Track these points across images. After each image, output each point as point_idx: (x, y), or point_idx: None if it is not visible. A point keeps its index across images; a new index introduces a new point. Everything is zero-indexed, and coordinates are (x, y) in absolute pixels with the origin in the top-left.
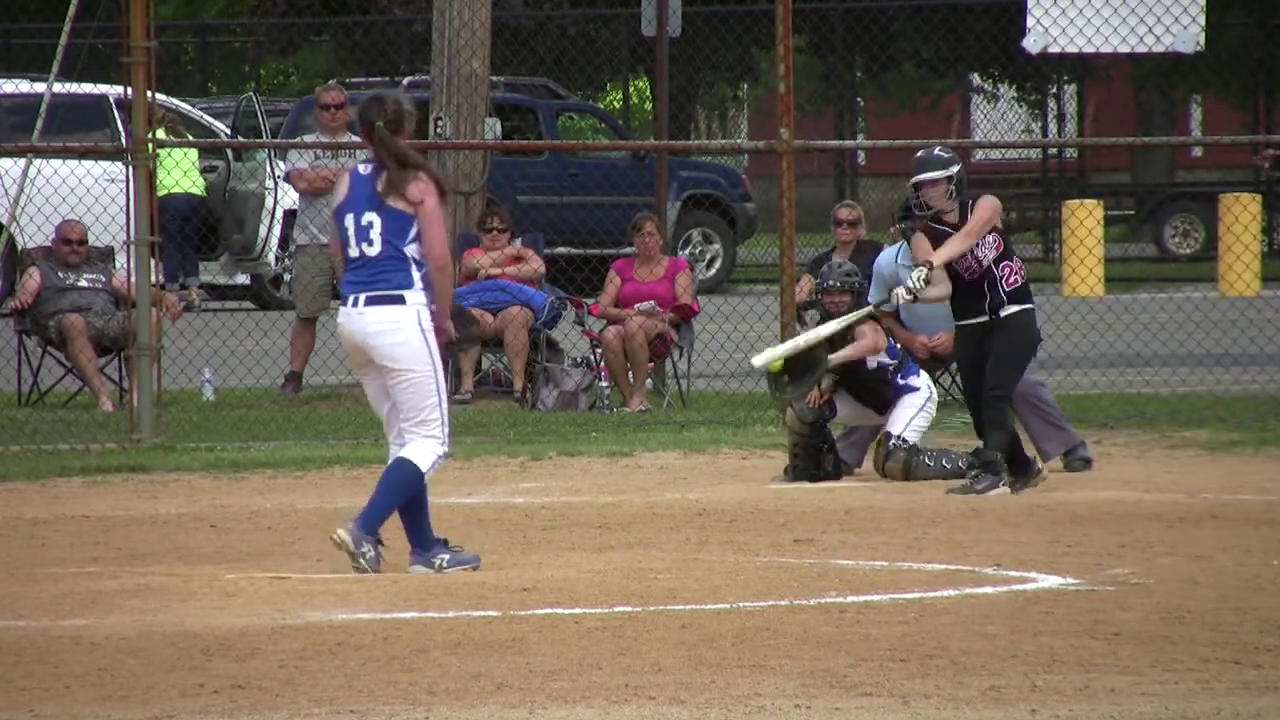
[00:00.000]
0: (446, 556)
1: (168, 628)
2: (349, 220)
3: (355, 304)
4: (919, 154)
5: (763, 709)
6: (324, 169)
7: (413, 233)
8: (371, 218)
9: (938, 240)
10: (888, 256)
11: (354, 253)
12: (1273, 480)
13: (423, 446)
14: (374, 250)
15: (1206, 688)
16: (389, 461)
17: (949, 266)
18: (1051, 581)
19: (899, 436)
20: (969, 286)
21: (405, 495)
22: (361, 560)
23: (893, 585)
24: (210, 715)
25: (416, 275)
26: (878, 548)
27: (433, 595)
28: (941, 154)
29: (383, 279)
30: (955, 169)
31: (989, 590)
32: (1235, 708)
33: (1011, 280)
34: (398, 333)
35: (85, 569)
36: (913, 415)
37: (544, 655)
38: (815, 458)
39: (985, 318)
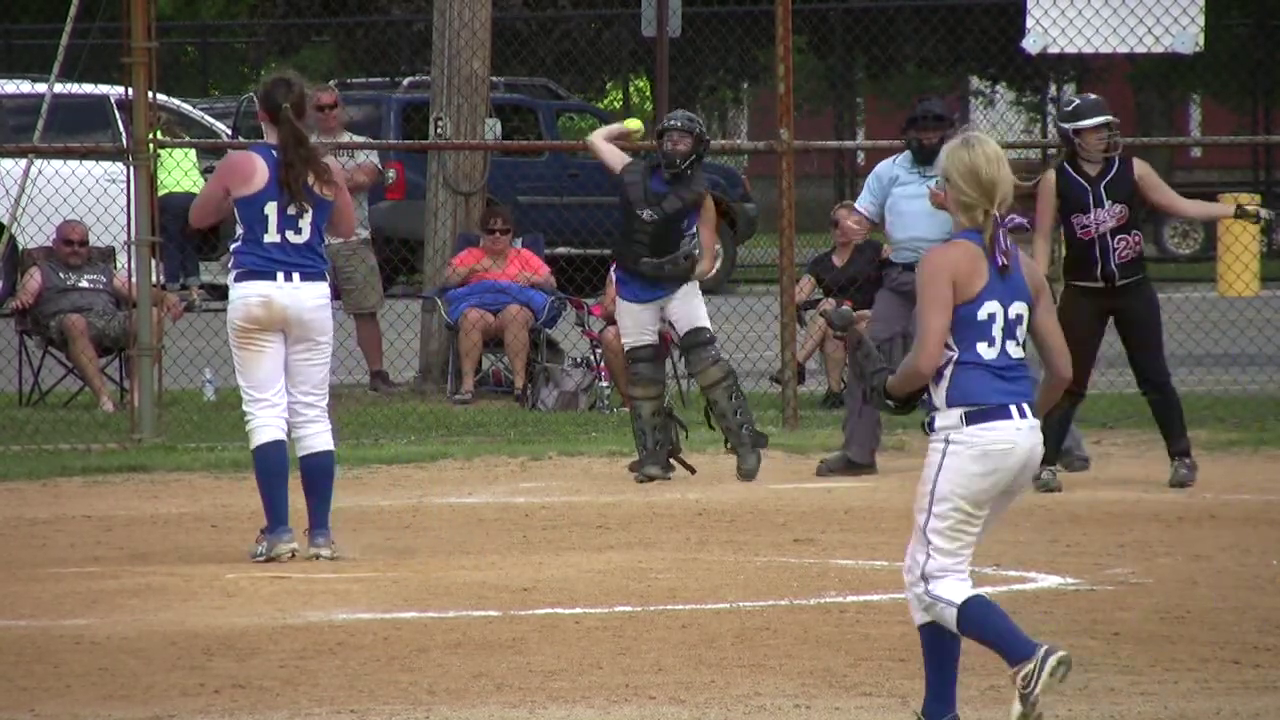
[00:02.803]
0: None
1: (168, 627)
2: (271, 208)
3: (291, 279)
4: (1089, 98)
5: (763, 709)
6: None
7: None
8: (305, 205)
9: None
10: (886, 165)
11: (273, 239)
12: (1272, 480)
13: (325, 429)
14: (301, 239)
15: (1205, 687)
16: (305, 453)
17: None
18: (1051, 581)
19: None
20: (1084, 244)
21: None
22: (335, 554)
23: (893, 585)
24: (211, 715)
25: None
26: (878, 548)
27: (433, 595)
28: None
29: (312, 261)
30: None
31: (988, 590)
32: (1234, 707)
33: (1125, 254)
34: (327, 309)
35: (86, 569)
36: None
37: (544, 655)
38: (667, 428)
39: (1100, 284)
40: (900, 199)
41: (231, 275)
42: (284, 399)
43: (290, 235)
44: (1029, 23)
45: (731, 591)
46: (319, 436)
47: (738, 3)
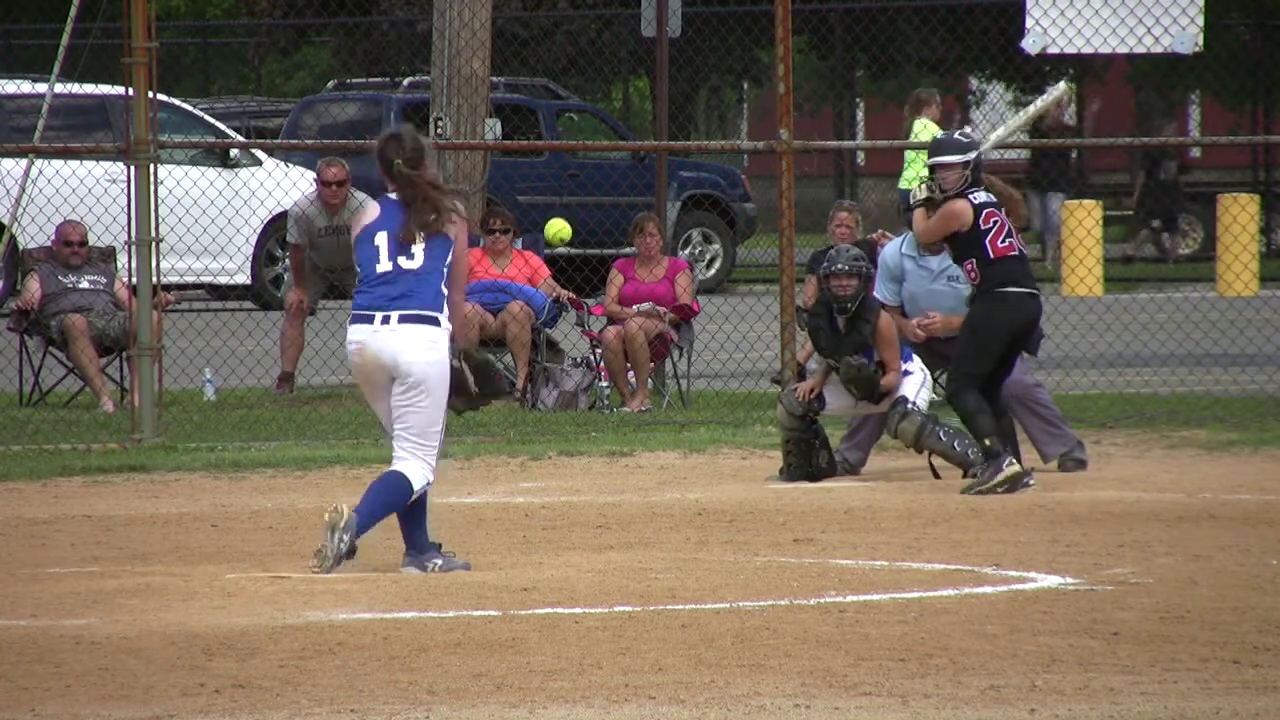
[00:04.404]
0: (440, 561)
1: (168, 627)
2: (382, 237)
3: (387, 321)
4: (939, 136)
5: (762, 708)
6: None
7: (449, 258)
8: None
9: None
10: (893, 249)
11: (385, 267)
12: (1271, 480)
13: (417, 466)
14: (415, 264)
15: (1205, 687)
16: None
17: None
18: (1051, 581)
19: (913, 402)
20: None
21: (390, 509)
22: (334, 541)
23: (893, 585)
24: (211, 715)
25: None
26: (877, 547)
27: (433, 595)
28: (960, 139)
29: (419, 298)
30: (972, 155)
31: (988, 590)
32: (1234, 707)
33: (972, 276)
34: (433, 351)
35: (86, 568)
36: (918, 388)
37: (544, 655)
38: (808, 454)
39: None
40: (918, 296)
41: None
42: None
43: (404, 261)
44: (1029, 23)
45: (731, 591)
46: (401, 463)
47: (738, 3)
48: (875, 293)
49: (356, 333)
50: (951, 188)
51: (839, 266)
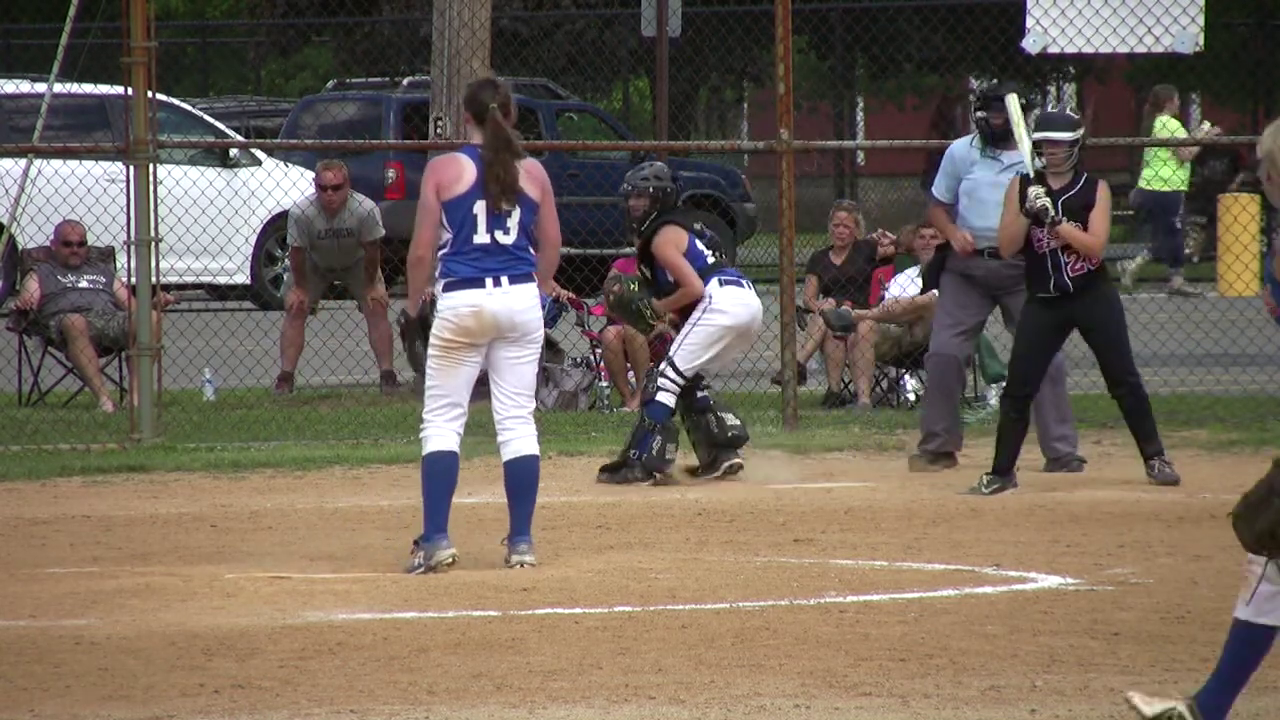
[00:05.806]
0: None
1: (168, 628)
2: (480, 206)
3: (499, 283)
4: (1049, 110)
5: (762, 709)
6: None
7: (534, 216)
8: (508, 205)
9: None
10: (963, 142)
11: (483, 239)
12: None
13: (532, 432)
14: (509, 239)
15: None
16: (512, 457)
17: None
18: (1051, 581)
19: (661, 367)
20: (1037, 257)
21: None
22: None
23: (893, 585)
24: (210, 715)
25: None
26: (877, 548)
27: (433, 595)
28: (1070, 115)
29: (521, 261)
30: (1079, 134)
31: (988, 590)
32: (1234, 707)
33: (1078, 267)
34: (536, 310)
35: (86, 569)
36: (683, 337)
37: (544, 655)
38: (707, 430)
39: (1054, 294)
40: (980, 185)
41: (440, 285)
42: (466, 412)
43: (500, 235)
44: (1029, 23)
45: (731, 591)
46: (527, 440)
47: (738, 2)
48: (933, 189)
49: (470, 296)
50: (1057, 166)
51: (626, 188)
